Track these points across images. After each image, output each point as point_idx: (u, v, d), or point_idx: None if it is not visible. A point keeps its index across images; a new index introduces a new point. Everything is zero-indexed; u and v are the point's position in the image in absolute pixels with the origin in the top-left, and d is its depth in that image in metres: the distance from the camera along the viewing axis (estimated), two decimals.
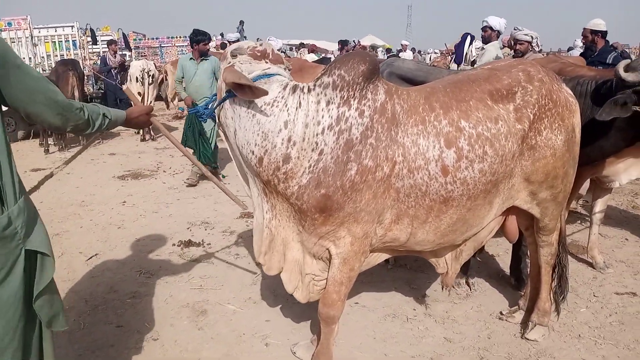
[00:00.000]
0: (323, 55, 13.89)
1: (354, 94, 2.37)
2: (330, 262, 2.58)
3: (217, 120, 2.67)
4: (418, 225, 2.56)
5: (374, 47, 18.48)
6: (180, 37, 20.15)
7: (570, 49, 13.42)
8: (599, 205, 4.31)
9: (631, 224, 5.22)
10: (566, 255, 3.34)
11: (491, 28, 6.12)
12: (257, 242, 2.67)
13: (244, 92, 2.33)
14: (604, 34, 5.54)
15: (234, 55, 2.51)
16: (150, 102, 9.85)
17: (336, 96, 2.37)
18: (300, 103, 2.37)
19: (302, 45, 17.08)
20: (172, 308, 3.50)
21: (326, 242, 2.50)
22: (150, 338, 3.14)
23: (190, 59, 6.58)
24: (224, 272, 4.06)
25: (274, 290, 3.66)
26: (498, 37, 6.23)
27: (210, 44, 7.54)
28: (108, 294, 3.70)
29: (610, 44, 5.86)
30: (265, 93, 2.33)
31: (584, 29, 5.64)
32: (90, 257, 4.33)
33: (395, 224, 2.54)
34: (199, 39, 6.51)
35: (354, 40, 13.82)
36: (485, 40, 6.25)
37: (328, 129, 2.34)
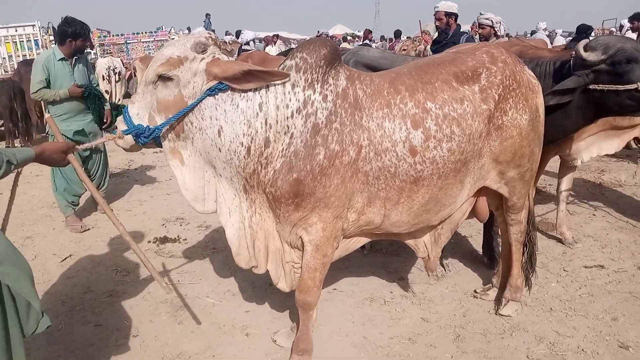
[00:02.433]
0: (289, 47, 13.86)
1: (317, 77, 2.40)
2: (303, 250, 2.61)
3: (162, 140, 2.45)
4: (391, 206, 2.60)
5: (345, 38, 18.45)
6: (145, 32, 19.79)
7: (533, 32, 13.69)
8: (565, 183, 4.44)
9: (598, 200, 5.39)
10: (535, 232, 3.44)
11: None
12: (242, 248, 2.64)
13: (249, 80, 2.30)
14: (456, 16, 5.39)
15: (202, 50, 2.37)
16: (119, 99, 9.72)
17: (300, 79, 2.39)
18: (267, 86, 2.37)
19: (277, 36, 16.95)
20: (151, 304, 3.49)
21: (299, 229, 2.53)
22: (130, 335, 3.13)
23: (62, 59, 4.73)
24: (201, 266, 4.06)
25: (252, 282, 3.68)
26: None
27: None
28: (85, 294, 3.67)
29: (460, 26, 5.69)
30: (287, 75, 2.33)
31: (437, 11, 5.41)
32: (65, 259, 4.28)
33: (368, 207, 2.58)
34: (78, 32, 4.67)
35: (318, 31, 13.77)
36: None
37: (297, 112, 2.37)
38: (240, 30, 11.17)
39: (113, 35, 20.34)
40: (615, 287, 3.58)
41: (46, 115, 2.49)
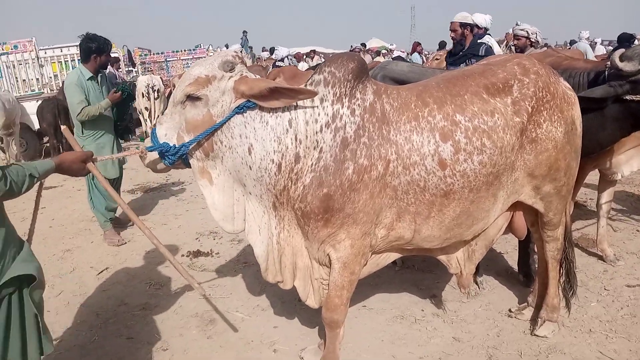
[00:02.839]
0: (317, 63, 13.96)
1: (345, 92, 2.40)
2: (331, 268, 2.59)
3: (191, 159, 2.46)
4: (421, 221, 2.56)
5: (379, 52, 18.44)
6: (184, 50, 20.33)
7: (572, 42, 13.33)
8: (605, 197, 4.27)
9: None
10: (572, 249, 3.32)
11: (477, 26, 6.14)
12: (270, 264, 2.64)
13: (277, 98, 2.30)
14: (472, 27, 5.20)
15: (230, 69, 2.39)
16: (157, 116, 9.95)
17: (328, 92, 2.40)
18: (296, 102, 2.38)
19: (313, 52, 17.06)
20: (182, 318, 3.52)
21: (327, 246, 2.51)
22: (160, 349, 3.17)
23: (90, 78, 4.78)
24: (232, 280, 4.08)
25: (281, 297, 3.68)
26: (485, 34, 6.24)
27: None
28: (119, 306, 3.74)
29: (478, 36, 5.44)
30: (315, 93, 2.33)
31: (452, 22, 5.21)
32: (101, 271, 4.38)
33: (398, 222, 2.55)
34: (101, 47, 4.74)
35: (351, 45, 13.80)
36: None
37: (325, 126, 2.37)
38: (274, 47, 11.30)
39: (154, 54, 21.02)
40: None
41: (63, 128, 2.52)
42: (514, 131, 2.56)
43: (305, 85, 2.46)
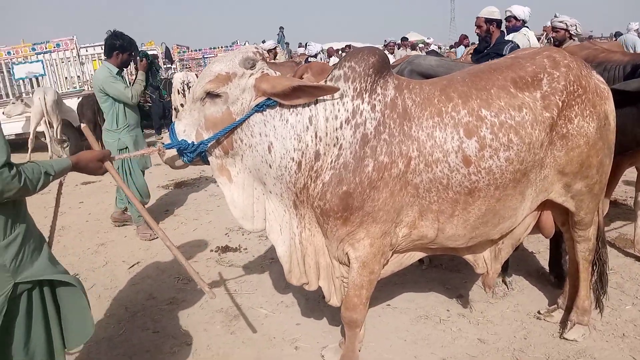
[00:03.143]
0: None
1: (366, 87, 2.36)
2: (349, 267, 2.57)
3: (210, 156, 2.47)
4: (445, 220, 2.51)
5: (414, 46, 18.19)
6: (221, 47, 20.66)
7: (618, 34, 12.77)
8: None
9: None
10: (606, 249, 3.20)
11: (515, 17, 5.95)
12: (293, 265, 2.62)
13: (299, 96, 2.27)
14: (498, 22, 4.90)
15: (251, 66, 2.37)
16: None
17: (349, 88, 2.36)
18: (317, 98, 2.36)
19: (349, 47, 16.98)
20: (207, 313, 3.58)
21: (345, 245, 2.49)
22: (184, 343, 3.22)
23: (117, 72, 4.92)
24: (258, 276, 4.11)
25: (305, 295, 3.68)
26: (523, 26, 6.04)
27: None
28: (147, 300, 3.82)
29: (505, 34, 5.11)
30: (337, 89, 2.31)
31: (477, 18, 4.94)
32: (132, 265, 4.49)
33: (420, 220, 2.50)
34: (125, 45, 4.87)
35: (385, 40, 13.65)
36: (510, 31, 6.07)
37: (345, 122, 2.34)
38: (308, 43, 11.31)
39: (192, 51, 21.44)
40: None
41: (82, 126, 2.54)
42: (543, 127, 2.48)
43: (326, 81, 2.44)
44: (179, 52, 20.79)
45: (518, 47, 4.36)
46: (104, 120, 6.27)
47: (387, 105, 2.38)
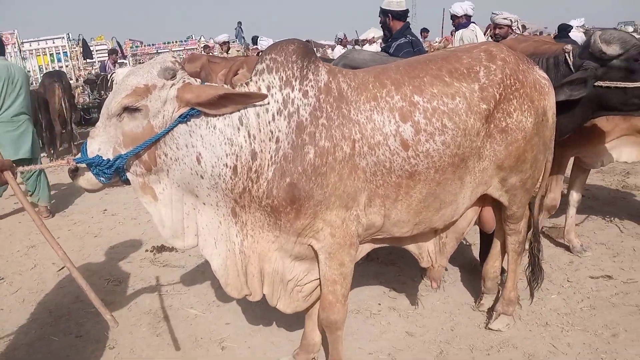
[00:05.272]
0: (320, 53, 13.86)
1: (294, 74, 2.30)
2: (317, 262, 2.49)
3: (130, 175, 2.25)
4: (390, 205, 2.48)
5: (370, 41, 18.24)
6: (176, 42, 20.27)
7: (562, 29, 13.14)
8: (577, 186, 4.20)
9: (618, 205, 5.10)
10: (539, 241, 3.23)
11: (456, 15, 6.03)
12: (231, 277, 2.49)
13: (225, 105, 2.17)
14: (395, 14, 4.42)
15: (172, 76, 2.21)
16: None
17: (274, 79, 2.29)
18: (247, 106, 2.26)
19: (309, 42, 16.88)
20: (134, 315, 3.47)
21: (306, 238, 2.41)
22: (107, 347, 3.11)
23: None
24: (192, 276, 4.02)
25: None
26: (469, 21, 6.12)
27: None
28: (73, 304, 3.68)
29: (407, 26, 4.49)
30: (265, 96, 2.22)
31: (380, 7, 4.52)
32: (62, 268, 4.31)
33: (369, 207, 2.46)
34: None
35: (336, 35, 13.67)
36: (458, 27, 6.16)
37: (278, 114, 2.27)
38: (259, 37, 11.16)
39: (145, 46, 20.92)
40: (621, 300, 3.34)
41: None
42: (478, 116, 2.50)
43: (251, 77, 2.37)
44: (132, 47, 20.25)
45: (411, 44, 4.24)
46: (46, 119, 6.10)
47: (321, 90, 2.32)
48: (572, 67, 3.08)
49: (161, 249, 4.56)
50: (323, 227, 2.37)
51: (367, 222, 2.49)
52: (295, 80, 2.30)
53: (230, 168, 2.24)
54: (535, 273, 3.19)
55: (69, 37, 13.08)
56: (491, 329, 3.06)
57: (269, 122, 2.27)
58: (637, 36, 7.18)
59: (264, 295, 2.57)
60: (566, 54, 3.13)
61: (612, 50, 2.93)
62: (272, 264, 2.50)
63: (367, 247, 2.81)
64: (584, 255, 3.99)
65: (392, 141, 2.36)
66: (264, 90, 2.28)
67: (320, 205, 2.32)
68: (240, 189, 2.29)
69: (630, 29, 18.50)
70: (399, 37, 4.32)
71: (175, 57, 2.38)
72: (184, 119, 2.19)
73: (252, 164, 2.26)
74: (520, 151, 2.64)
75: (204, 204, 2.35)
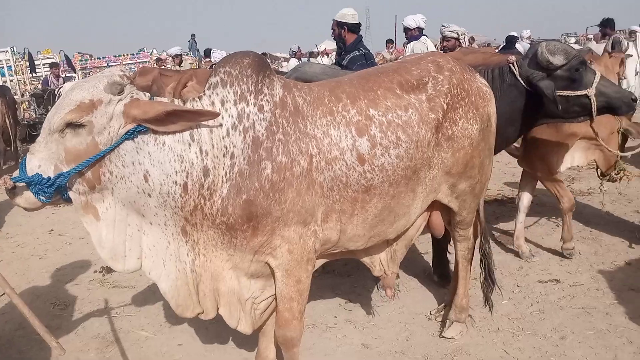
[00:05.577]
0: (277, 66, 13.88)
1: (248, 88, 2.26)
2: (274, 279, 2.44)
3: (72, 193, 2.14)
4: (346, 219, 2.47)
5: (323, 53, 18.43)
6: (127, 54, 19.85)
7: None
8: (526, 192, 4.33)
9: None
10: (489, 246, 3.30)
11: (408, 28, 6.16)
12: (182, 298, 2.38)
13: (174, 121, 2.09)
14: (351, 27, 4.42)
15: (119, 91, 2.12)
16: None
17: (228, 93, 2.25)
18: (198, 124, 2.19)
19: (264, 55, 16.86)
20: (82, 340, 3.33)
21: (262, 256, 2.35)
22: None
23: None
24: (143, 297, 3.90)
25: None
26: (421, 34, 6.26)
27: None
28: (16, 331, 3.50)
29: (360, 39, 4.52)
30: (217, 114, 2.15)
31: (333, 20, 4.52)
32: (3, 294, 4.10)
33: (325, 222, 2.44)
34: None
35: (290, 48, 13.73)
36: (410, 40, 6.29)
37: (232, 129, 2.21)
38: (211, 49, 11.05)
39: (95, 59, 20.37)
40: (569, 303, 3.44)
41: None
42: (429, 127, 2.55)
43: (204, 91, 2.32)
44: (81, 60, 19.68)
45: (364, 57, 4.29)
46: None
47: (276, 104, 2.30)
48: (518, 77, 3.18)
49: (110, 269, 4.38)
50: (281, 244, 2.34)
51: (323, 237, 2.48)
52: (250, 95, 2.27)
53: (180, 185, 2.17)
54: (491, 278, 3.25)
55: (13, 50, 12.65)
56: (445, 337, 3.09)
57: (223, 138, 2.22)
58: (577, 47, 7.51)
59: (217, 314, 2.50)
60: (510, 65, 3.23)
61: (557, 60, 3.05)
62: (227, 283, 2.42)
63: (321, 262, 2.79)
64: (532, 260, 4.10)
65: (348, 156, 2.37)
66: (217, 105, 2.23)
67: (278, 222, 2.29)
68: (191, 207, 2.21)
69: (572, 39, 19.34)
70: (353, 49, 4.37)
71: (123, 71, 2.29)
72: (130, 135, 2.11)
73: (205, 180, 2.19)
74: (468, 157, 2.71)
75: (151, 223, 2.26)
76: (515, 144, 4.15)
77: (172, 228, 2.27)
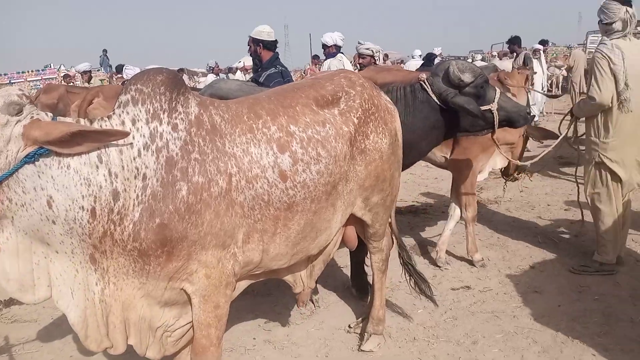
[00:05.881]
0: (193, 82, 13.64)
1: (162, 106, 2.16)
2: (190, 305, 2.31)
3: None
4: (268, 239, 2.41)
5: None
6: (32, 71, 18.79)
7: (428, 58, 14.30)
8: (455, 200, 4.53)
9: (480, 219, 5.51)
10: (407, 253, 3.40)
11: (326, 45, 6.29)
12: (91, 329, 2.19)
13: (80, 143, 1.95)
14: (266, 44, 4.41)
15: (18, 112, 1.96)
16: None
17: (140, 111, 2.13)
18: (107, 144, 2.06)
19: (181, 71, 16.49)
20: None
21: (178, 282, 2.22)
22: None
23: None
24: (46, 331, 3.63)
25: None
26: (338, 51, 6.41)
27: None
28: None
29: (277, 57, 4.49)
30: (127, 134, 2.04)
31: (249, 36, 4.50)
32: None
33: (247, 243, 2.36)
34: None
35: (207, 63, 13.60)
36: (327, 57, 6.42)
37: (144, 149, 2.09)
38: (123, 65, 10.64)
39: None
40: (479, 308, 3.59)
41: None
42: (344, 140, 2.59)
43: (114, 110, 2.19)
44: None
45: (280, 75, 4.30)
46: None
47: (192, 122, 2.21)
48: (431, 94, 3.31)
49: (9, 302, 4.05)
50: (197, 269, 2.24)
51: (244, 259, 2.41)
52: (164, 113, 2.17)
53: (88, 211, 2.02)
54: (421, 279, 3.34)
55: None
56: (364, 351, 3.11)
57: (134, 159, 2.10)
58: (484, 63, 8.07)
59: (126, 348, 2.36)
60: (421, 82, 3.36)
61: (466, 78, 3.22)
62: (137, 311, 2.28)
63: (244, 284, 2.70)
64: (445, 268, 4.26)
65: (270, 173, 2.34)
66: (128, 124, 2.11)
67: (194, 246, 2.19)
68: (100, 233, 2.07)
69: (479, 56, 20.59)
70: (269, 67, 4.37)
71: (22, 90, 2.14)
72: (31, 158, 1.94)
73: (114, 205, 2.06)
74: (379, 170, 2.78)
75: (57, 252, 2.09)
76: (444, 155, 4.39)
77: (80, 256, 2.11)
